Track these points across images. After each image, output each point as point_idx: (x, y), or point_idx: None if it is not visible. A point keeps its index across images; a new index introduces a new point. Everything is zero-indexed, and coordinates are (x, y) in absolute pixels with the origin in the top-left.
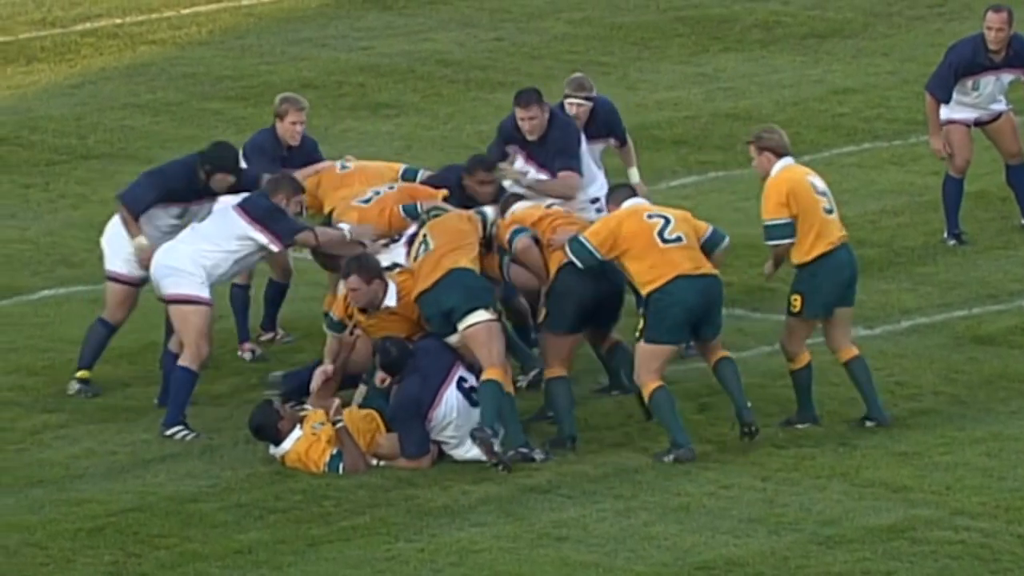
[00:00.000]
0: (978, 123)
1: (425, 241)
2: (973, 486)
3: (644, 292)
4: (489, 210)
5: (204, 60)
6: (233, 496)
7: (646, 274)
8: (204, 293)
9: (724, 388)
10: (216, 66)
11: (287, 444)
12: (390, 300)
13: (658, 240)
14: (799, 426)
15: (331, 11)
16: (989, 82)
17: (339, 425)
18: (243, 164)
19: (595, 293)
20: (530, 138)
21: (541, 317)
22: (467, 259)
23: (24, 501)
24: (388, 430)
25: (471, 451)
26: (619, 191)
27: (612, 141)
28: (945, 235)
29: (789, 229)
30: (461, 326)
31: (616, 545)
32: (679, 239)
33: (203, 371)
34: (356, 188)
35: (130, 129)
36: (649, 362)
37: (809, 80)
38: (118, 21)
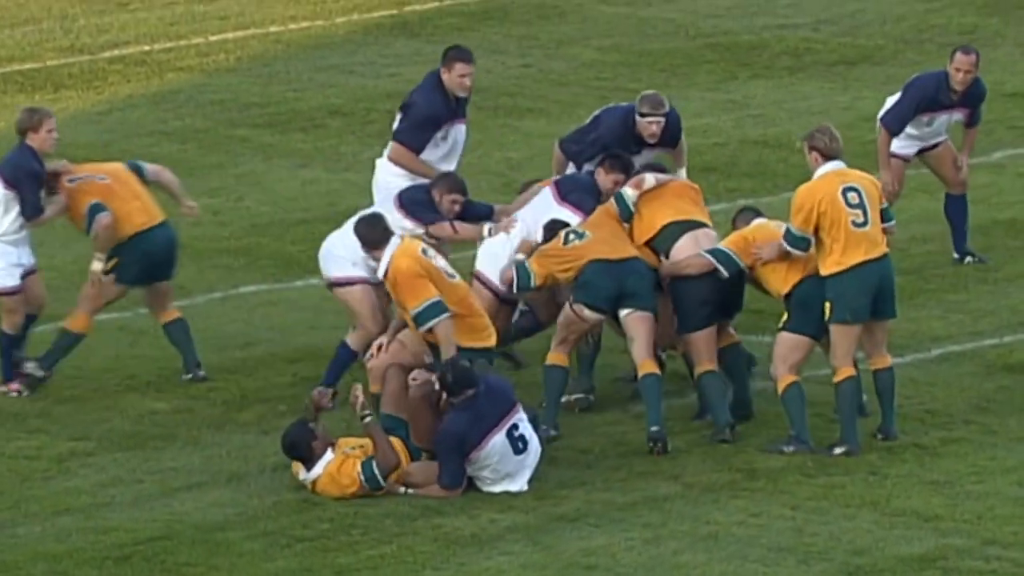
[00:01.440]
0: (920, 152)
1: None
2: (1005, 515)
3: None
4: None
5: (231, 87)
6: (260, 524)
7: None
8: (358, 273)
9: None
10: (243, 93)
11: (319, 468)
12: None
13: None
14: (836, 451)
15: (359, 38)
16: (944, 119)
17: (367, 420)
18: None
19: (714, 287)
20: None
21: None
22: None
23: (51, 530)
24: (412, 458)
25: (501, 486)
26: (746, 213)
27: (666, 149)
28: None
29: (804, 243)
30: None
31: (645, 574)
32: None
33: (233, 398)
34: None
35: (157, 156)
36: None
37: (838, 107)
38: (146, 48)
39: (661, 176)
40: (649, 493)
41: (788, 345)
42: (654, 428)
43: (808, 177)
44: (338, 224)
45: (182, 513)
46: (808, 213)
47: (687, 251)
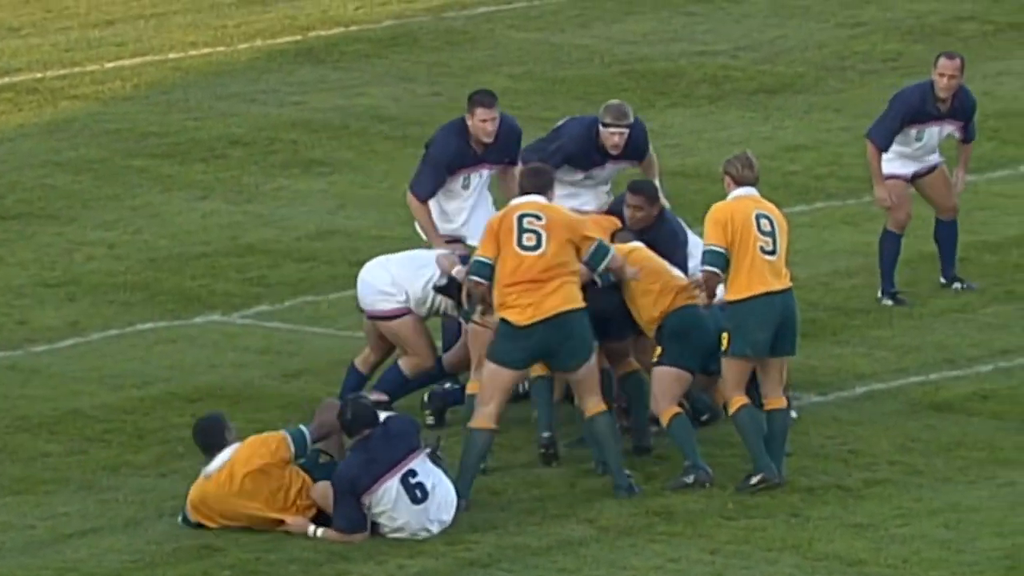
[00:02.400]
0: (914, 176)
1: None
2: (931, 559)
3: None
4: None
5: (128, 116)
6: (158, 572)
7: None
8: (405, 304)
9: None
10: (141, 122)
11: (226, 454)
12: None
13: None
14: (753, 480)
15: (261, 65)
16: (934, 133)
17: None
18: None
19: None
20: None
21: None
22: None
23: None
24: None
25: (402, 535)
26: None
27: (634, 162)
28: (880, 294)
29: (721, 260)
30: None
31: None
32: None
33: (129, 440)
34: None
35: (50, 188)
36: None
37: (759, 137)
38: (38, 75)
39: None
40: (564, 537)
41: (667, 380)
42: (545, 434)
43: None
44: (240, 256)
45: (76, 560)
46: (724, 227)
47: None
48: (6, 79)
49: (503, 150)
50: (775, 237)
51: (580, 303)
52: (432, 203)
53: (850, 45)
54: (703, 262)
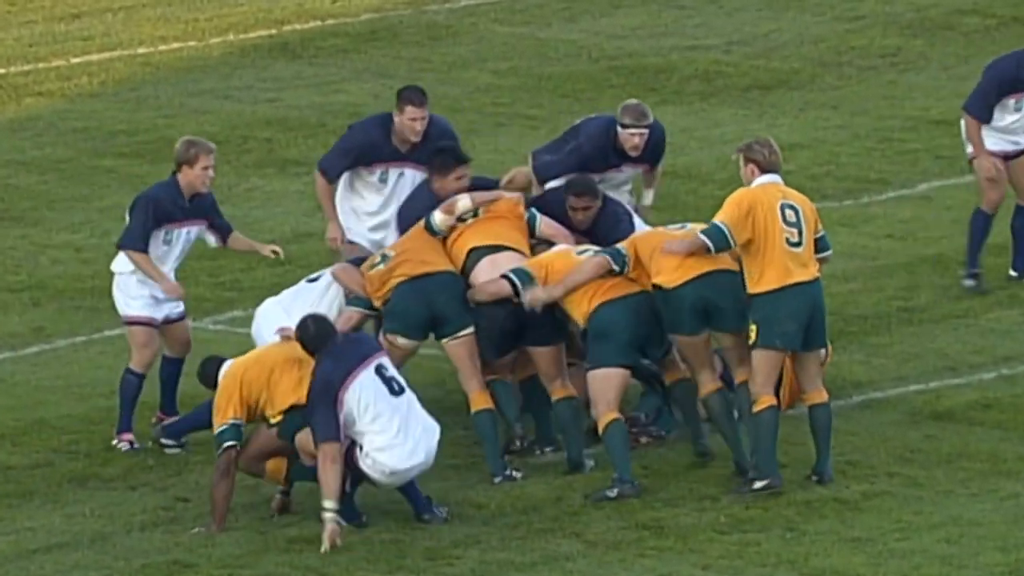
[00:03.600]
0: (1004, 157)
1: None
2: (932, 575)
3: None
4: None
5: (96, 113)
6: None
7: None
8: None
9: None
10: (109, 120)
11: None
12: None
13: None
14: (757, 484)
15: (235, 60)
16: None
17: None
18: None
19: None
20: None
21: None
22: None
23: None
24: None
25: (391, 451)
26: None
27: (647, 166)
28: (963, 274)
29: (724, 241)
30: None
31: None
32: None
33: (96, 451)
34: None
35: (14, 188)
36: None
37: (753, 134)
38: (1, 71)
39: (481, 195)
40: (549, 552)
41: (600, 381)
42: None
43: (715, 206)
44: (213, 260)
45: None
46: (745, 214)
47: (483, 276)
48: None
49: (430, 151)
50: (801, 228)
51: None
52: (349, 198)
53: (847, 40)
54: (704, 232)
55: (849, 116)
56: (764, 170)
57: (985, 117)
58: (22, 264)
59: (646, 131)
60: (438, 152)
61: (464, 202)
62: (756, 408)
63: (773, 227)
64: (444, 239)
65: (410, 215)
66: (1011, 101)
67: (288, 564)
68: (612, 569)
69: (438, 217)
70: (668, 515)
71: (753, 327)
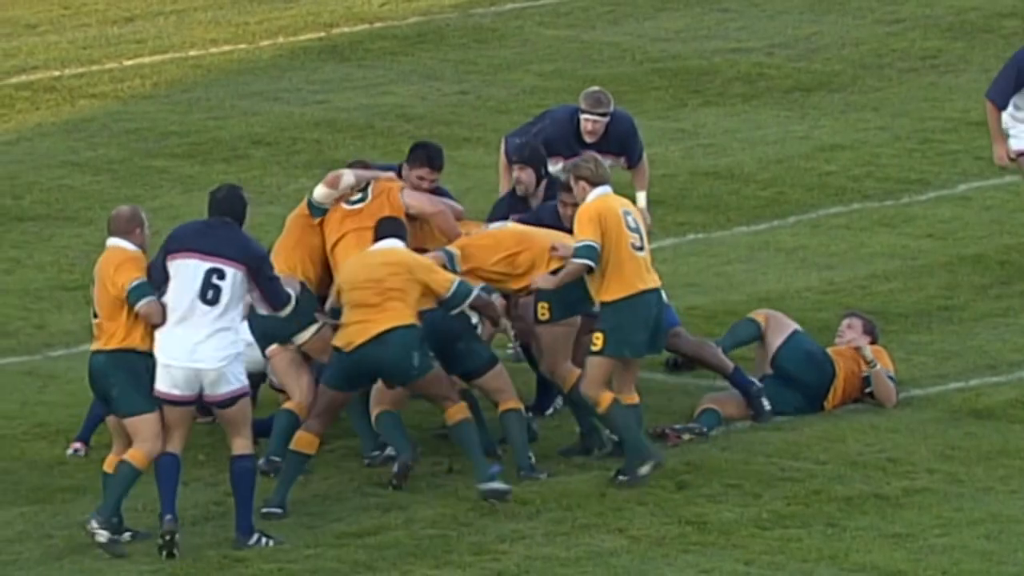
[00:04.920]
0: None
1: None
2: (971, 571)
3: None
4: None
5: (148, 115)
6: None
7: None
8: None
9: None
10: (161, 121)
11: None
12: None
13: None
14: (643, 470)
15: (284, 63)
16: None
17: None
18: None
19: None
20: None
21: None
22: None
23: None
24: None
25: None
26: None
27: (622, 160)
28: None
29: (594, 253)
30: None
31: None
32: None
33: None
34: None
35: (68, 189)
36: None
37: (794, 136)
38: (56, 73)
39: (363, 173)
40: (593, 548)
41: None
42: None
43: (757, 207)
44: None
45: (94, 571)
46: (597, 223)
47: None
48: (23, 77)
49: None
50: (641, 233)
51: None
52: None
53: (888, 42)
54: (576, 255)
55: (890, 118)
56: (594, 184)
57: (1003, 103)
58: (76, 263)
59: (601, 118)
60: (421, 146)
61: (348, 178)
62: (601, 408)
63: (620, 234)
64: (321, 223)
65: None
66: None
67: (336, 559)
68: (655, 564)
69: (319, 191)
70: (711, 511)
71: (600, 335)
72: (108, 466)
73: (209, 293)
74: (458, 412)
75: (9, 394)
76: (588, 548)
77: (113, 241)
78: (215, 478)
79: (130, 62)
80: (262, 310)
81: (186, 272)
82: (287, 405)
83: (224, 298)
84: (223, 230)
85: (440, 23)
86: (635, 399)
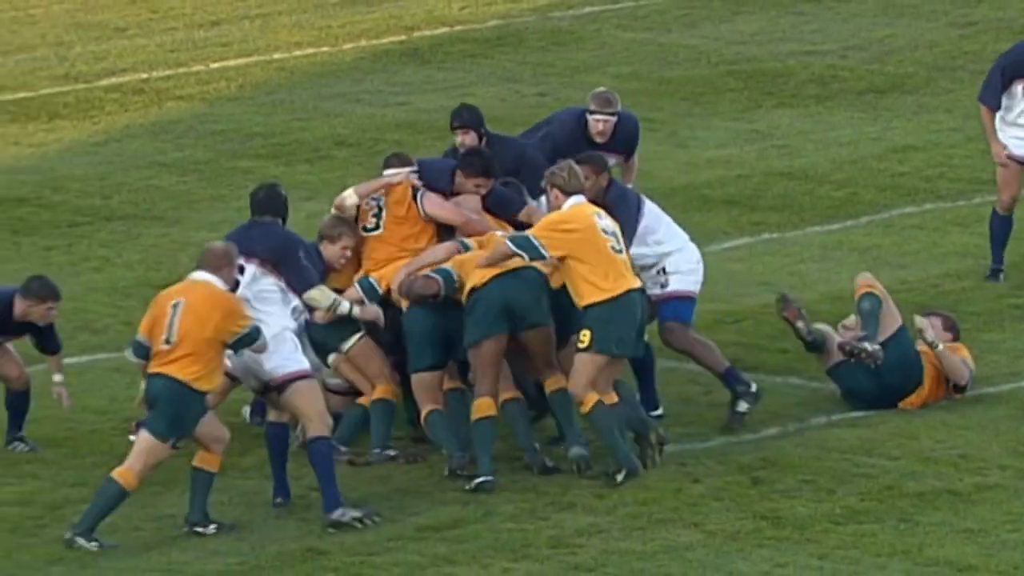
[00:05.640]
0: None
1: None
2: None
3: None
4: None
5: (234, 116)
6: (263, 574)
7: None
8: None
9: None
10: (246, 123)
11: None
12: None
13: None
14: (619, 477)
15: (366, 65)
16: None
17: None
18: None
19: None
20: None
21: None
22: None
23: None
24: None
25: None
26: None
27: (623, 158)
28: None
29: (534, 251)
30: None
31: None
32: None
33: (233, 443)
34: None
35: (156, 189)
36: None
37: (868, 137)
38: (144, 76)
39: (365, 187)
40: (669, 542)
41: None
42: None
43: (831, 207)
44: None
45: (181, 563)
46: (564, 231)
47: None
48: (113, 79)
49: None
50: (617, 236)
51: None
52: None
53: (961, 45)
54: (518, 243)
55: (962, 119)
56: (567, 193)
57: (993, 103)
58: (163, 262)
59: (611, 118)
60: (475, 154)
61: (351, 199)
62: (585, 409)
63: (597, 240)
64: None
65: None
66: (1018, 87)
67: (417, 552)
68: (730, 559)
69: (328, 221)
70: (785, 506)
71: (587, 332)
72: (198, 460)
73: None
74: (557, 381)
75: (99, 390)
76: (664, 542)
77: (205, 276)
78: (298, 472)
79: (216, 65)
80: (292, 298)
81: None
82: (363, 400)
83: (239, 292)
84: (256, 229)
85: (519, 26)
86: (614, 398)
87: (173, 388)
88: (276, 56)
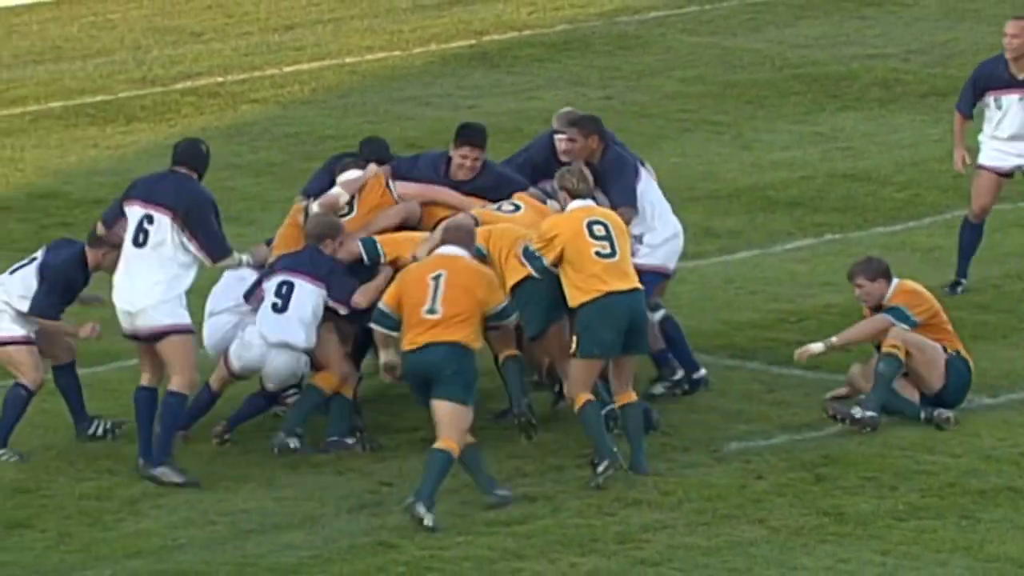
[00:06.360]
0: (1013, 172)
1: None
2: None
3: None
4: None
5: (307, 119)
6: (335, 568)
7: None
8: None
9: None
10: (319, 125)
11: None
12: None
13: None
14: (600, 468)
15: (436, 69)
16: (1012, 102)
17: None
18: None
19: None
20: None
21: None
22: None
23: (122, 573)
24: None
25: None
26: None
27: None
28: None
29: (538, 263)
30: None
31: None
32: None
33: (308, 439)
34: None
35: (231, 190)
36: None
37: (930, 140)
38: (219, 79)
39: (349, 185)
40: (734, 537)
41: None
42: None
43: (893, 209)
44: None
45: (255, 556)
46: (549, 241)
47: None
48: (188, 83)
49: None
50: (611, 240)
51: None
52: None
53: None
54: (524, 256)
55: None
56: (575, 196)
57: (965, 111)
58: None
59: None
60: (464, 126)
61: (344, 197)
62: (577, 406)
63: (581, 245)
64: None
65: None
66: (990, 98)
67: (486, 546)
68: (794, 554)
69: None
70: (848, 502)
71: (575, 338)
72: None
73: (140, 237)
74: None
75: None
76: (728, 538)
77: (457, 250)
78: (369, 467)
79: (290, 68)
80: (206, 261)
81: (130, 218)
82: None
83: (151, 241)
84: (169, 179)
85: (586, 31)
86: (632, 397)
87: (455, 352)
88: (348, 60)
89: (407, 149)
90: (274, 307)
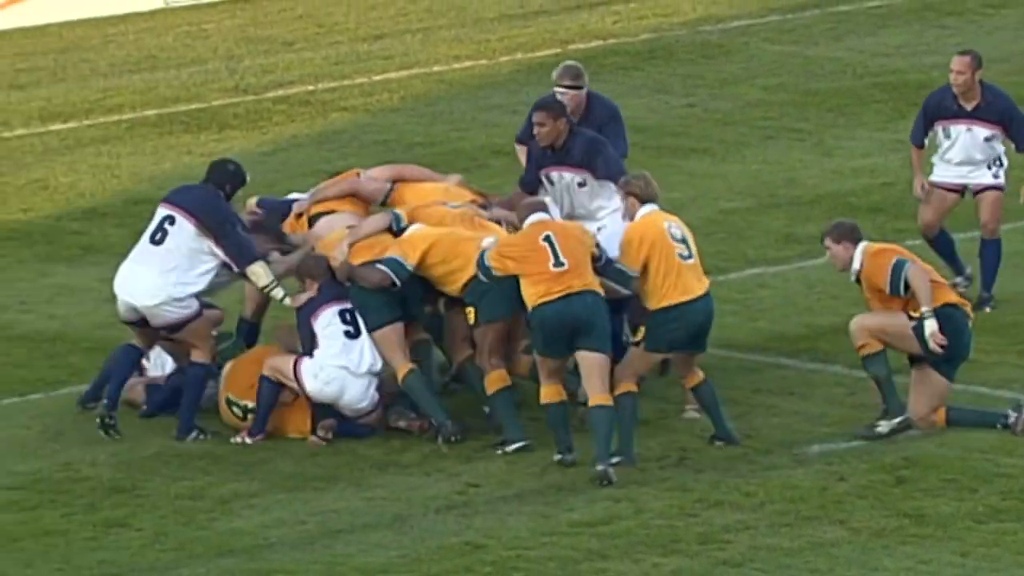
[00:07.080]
0: (975, 192)
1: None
2: None
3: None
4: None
5: (395, 127)
6: (423, 567)
7: None
8: None
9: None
10: (407, 133)
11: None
12: None
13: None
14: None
15: (522, 77)
16: (960, 132)
17: None
18: None
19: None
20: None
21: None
22: None
23: (214, 571)
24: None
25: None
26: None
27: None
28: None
29: (622, 274)
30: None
31: None
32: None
33: (396, 439)
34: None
35: None
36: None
37: (1010, 147)
38: (310, 88)
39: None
40: (816, 538)
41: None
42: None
43: (972, 215)
44: None
45: (344, 555)
46: (637, 250)
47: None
48: (280, 91)
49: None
50: (687, 243)
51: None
52: None
53: None
54: (612, 276)
55: None
56: (643, 201)
57: (916, 141)
58: None
59: (567, 90)
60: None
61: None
62: (617, 392)
63: (667, 248)
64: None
65: None
66: (939, 128)
67: (570, 547)
68: (875, 556)
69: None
70: (928, 504)
71: (645, 328)
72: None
73: (158, 235)
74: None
75: None
76: (810, 539)
77: (544, 215)
78: (456, 468)
79: (379, 77)
80: (233, 266)
81: (155, 216)
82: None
83: (168, 242)
84: (196, 189)
85: (670, 40)
86: (700, 376)
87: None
88: (436, 69)
89: (494, 156)
90: (347, 334)
